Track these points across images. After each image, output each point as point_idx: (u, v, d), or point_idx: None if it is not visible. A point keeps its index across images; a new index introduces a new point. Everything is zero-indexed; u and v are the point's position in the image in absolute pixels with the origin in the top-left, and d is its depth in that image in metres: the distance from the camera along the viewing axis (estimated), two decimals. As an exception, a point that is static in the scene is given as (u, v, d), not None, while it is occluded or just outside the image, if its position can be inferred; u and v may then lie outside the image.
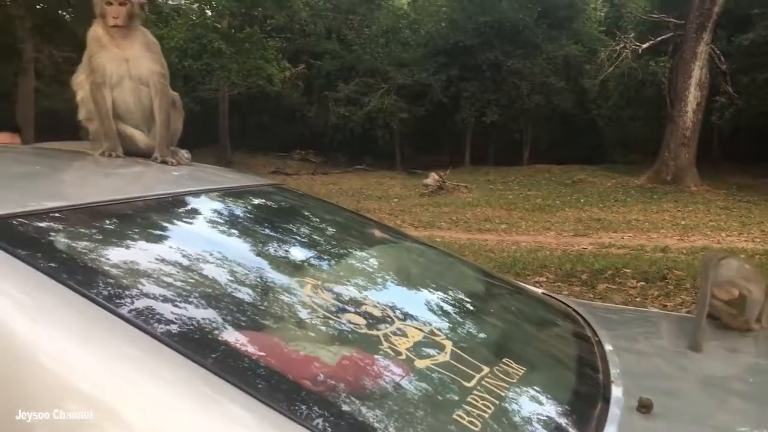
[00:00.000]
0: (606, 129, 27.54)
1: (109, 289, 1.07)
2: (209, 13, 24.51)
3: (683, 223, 13.18)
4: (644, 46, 21.27)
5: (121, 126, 2.10)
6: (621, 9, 26.61)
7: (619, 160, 26.38)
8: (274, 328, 1.17)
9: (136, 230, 1.37)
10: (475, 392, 1.15)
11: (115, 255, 1.22)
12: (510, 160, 26.12)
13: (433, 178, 19.52)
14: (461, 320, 1.53)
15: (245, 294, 1.25)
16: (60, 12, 16.12)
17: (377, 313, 1.31)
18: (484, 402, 1.13)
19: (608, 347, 1.56)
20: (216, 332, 1.07)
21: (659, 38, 21.09)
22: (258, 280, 1.32)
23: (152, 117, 2.11)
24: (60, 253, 1.14)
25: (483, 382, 1.19)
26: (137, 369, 0.94)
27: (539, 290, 2.19)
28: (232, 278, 1.29)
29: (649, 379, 1.46)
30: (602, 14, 30.23)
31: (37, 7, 15.27)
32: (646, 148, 24.09)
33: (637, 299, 6.95)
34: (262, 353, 1.05)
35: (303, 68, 28.44)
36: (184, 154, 2.15)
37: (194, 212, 1.61)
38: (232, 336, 1.07)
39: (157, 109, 2.10)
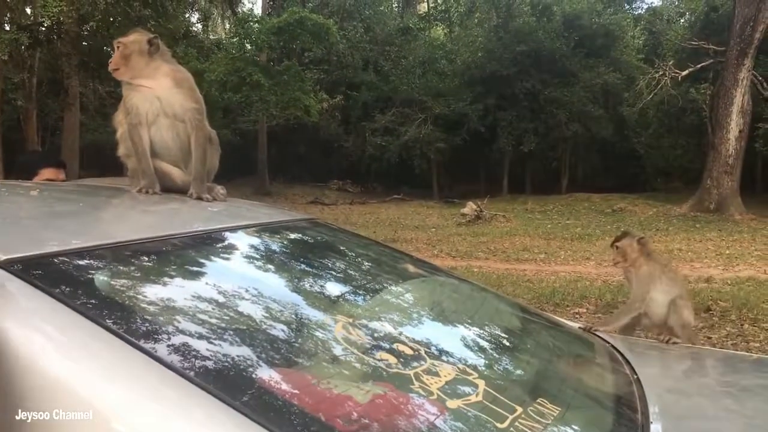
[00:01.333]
0: (646, 157, 27.17)
1: (143, 327, 1.08)
2: (249, 47, 25.06)
3: (727, 252, 12.85)
4: (684, 73, 21.02)
5: (158, 163, 2.12)
6: (660, 36, 26.42)
7: (660, 189, 25.98)
8: (305, 366, 1.17)
9: (171, 268, 1.38)
10: None
11: (149, 293, 1.24)
12: (548, 189, 25.91)
13: (470, 207, 19.43)
14: (495, 357, 1.51)
15: (277, 331, 1.25)
16: (105, 48, 16.61)
17: (409, 350, 1.30)
18: None
19: (647, 386, 1.51)
20: (247, 370, 1.07)
21: (699, 65, 20.83)
22: (290, 317, 1.32)
23: (189, 153, 2.13)
24: (95, 291, 1.15)
25: (516, 423, 1.16)
26: (170, 408, 0.94)
27: (576, 325, 2.14)
28: (265, 316, 1.29)
29: (690, 420, 1.41)
30: (640, 42, 30.02)
31: (84, 44, 15.77)
32: (688, 176, 23.70)
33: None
34: (292, 392, 1.04)
35: (340, 99, 28.78)
36: (220, 190, 2.16)
37: (228, 249, 1.62)
38: (263, 374, 1.07)
39: (194, 145, 2.12)
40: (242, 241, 1.72)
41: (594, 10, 28.08)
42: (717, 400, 1.58)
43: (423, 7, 37.06)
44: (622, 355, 1.76)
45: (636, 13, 32.53)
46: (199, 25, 29.26)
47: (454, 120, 27.32)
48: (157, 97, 2.09)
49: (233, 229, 1.74)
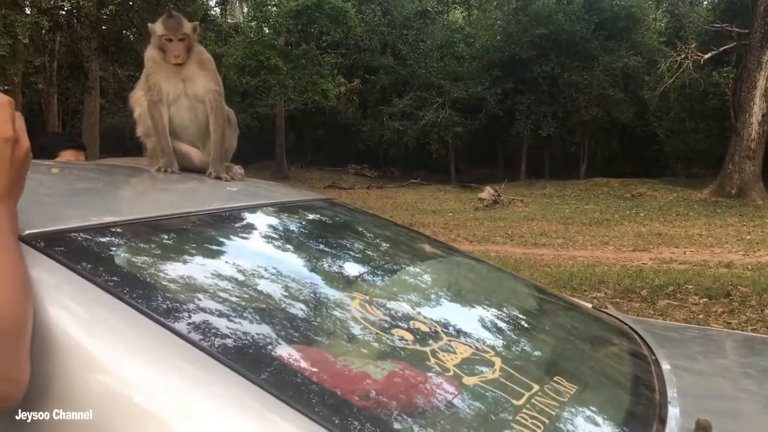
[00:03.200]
0: (667, 141, 26.88)
1: (163, 303, 1.09)
2: (267, 30, 25.04)
3: (748, 237, 12.72)
4: (706, 56, 20.72)
5: (177, 143, 2.13)
6: (682, 19, 26.03)
7: (681, 174, 25.73)
8: (323, 343, 1.17)
9: (190, 245, 1.39)
10: (524, 411, 1.12)
11: (168, 269, 1.25)
12: (567, 174, 25.75)
13: (488, 192, 19.37)
14: (511, 336, 1.50)
15: (295, 309, 1.26)
16: (124, 32, 16.71)
17: (426, 328, 1.30)
18: (534, 421, 1.10)
19: (665, 366, 1.50)
20: (266, 347, 1.08)
21: (722, 48, 20.52)
22: (308, 295, 1.32)
23: (207, 134, 2.14)
24: (115, 267, 1.16)
25: (533, 401, 1.16)
26: (190, 384, 0.95)
27: (588, 305, 2.13)
28: (283, 293, 1.29)
29: (709, 400, 1.40)
30: (662, 24, 29.60)
31: (103, 27, 15.87)
32: (709, 160, 23.43)
33: (700, 316, 6.74)
34: (311, 369, 1.05)
35: (358, 83, 28.73)
36: (238, 169, 2.18)
37: (247, 227, 1.62)
38: (281, 351, 1.08)
39: (213, 126, 2.13)
40: (260, 219, 1.73)
41: (615, -8, 27.72)
42: (736, 380, 1.57)
43: (441, -10, 36.79)
44: (639, 335, 1.75)
45: (658, -6, 32.04)
46: (218, 9, 29.32)
47: (472, 104, 27.17)
48: (182, 78, 2.11)
49: (251, 208, 1.75)
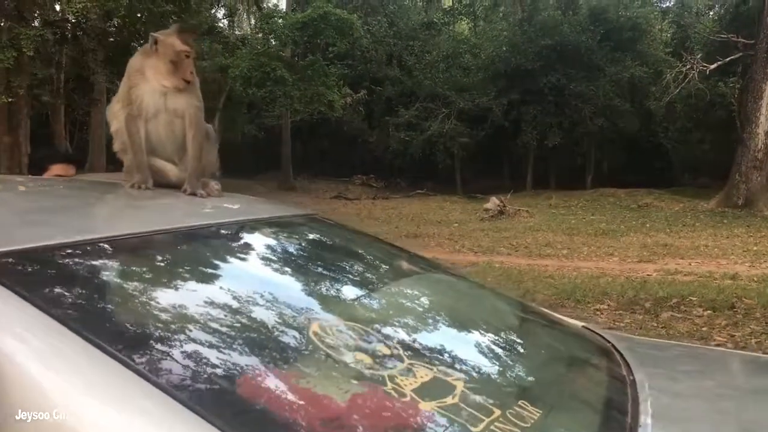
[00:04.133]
0: (673, 152, 26.79)
1: (114, 327, 1.07)
2: (273, 42, 25.14)
3: (755, 249, 12.62)
4: (712, 66, 20.66)
5: (153, 159, 2.09)
6: (688, 30, 25.96)
7: (688, 184, 25.63)
8: (275, 367, 1.14)
9: (151, 266, 1.35)
10: None
11: (123, 291, 1.22)
12: (573, 185, 25.66)
13: (493, 202, 19.32)
14: (480, 358, 1.46)
15: (254, 334, 1.22)
16: (131, 44, 16.78)
17: (387, 351, 1.26)
18: None
19: (642, 388, 1.46)
20: (212, 371, 1.06)
21: (728, 59, 20.45)
22: (268, 319, 1.28)
23: (185, 149, 2.10)
24: (65, 289, 1.14)
25: (492, 427, 1.12)
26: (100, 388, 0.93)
27: (579, 323, 2.09)
28: (243, 318, 1.26)
29: (682, 424, 1.36)
30: (668, 35, 29.58)
31: (110, 40, 15.93)
32: (716, 171, 23.31)
33: (703, 329, 6.68)
34: (258, 395, 1.03)
35: (364, 94, 28.76)
36: (214, 185, 2.13)
37: (215, 246, 1.59)
38: (232, 381, 1.06)
39: (190, 141, 2.08)
40: (230, 237, 1.69)
41: (621, 3, 27.72)
42: (715, 402, 1.52)
43: (447, 2, 36.88)
44: (621, 354, 1.71)
45: (664, 5, 32.03)
46: (225, 21, 29.48)
47: (478, 115, 27.16)
48: (164, 93, 2.06)
49: (222, 226, 1.72)
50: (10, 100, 12.16)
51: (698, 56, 21.58)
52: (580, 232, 16.13)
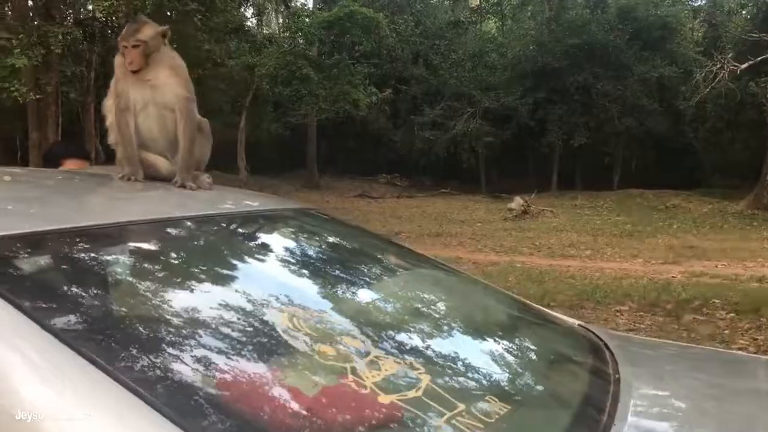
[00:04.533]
0: (703, 153, 26.37)
1: (76, 319, 1.07)
2: (300, 41, 25.22)
3: (784, 251, 12.39)
4: (743, 66, 20.27)
5: (144, 153, 2.09)
6: (719, 29, 25.53)
7: (717, 185, 25.19)
8: (234, 356, 1.14)
9: (119, 255, 1.36)
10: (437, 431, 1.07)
11: (89, 279, 1.23)
12: (599, 185, 25.37)
13: (517, 202, 19.20)
14: (455, 353, 1.44)
15: (219, 325, 1.22)
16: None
17: (354, 343, 1.26)
18: None
19: (626, 386, 1.43)
20: (170, 365, 1.06)
21: (759, 58, 20.05)
22: (234, 309, 1.27)
23: (176, 143, 2.09)
24: (33, 278, 1.15)
25: (453, 421, 1.11)
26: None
27: (575, 321, 2.05)
28: (204, 307, 1.26)
29: (659, 422, 1.33)
30: (699, 34, 29.10)
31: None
32: (746, 172, 22.90)
33: (726, 332, 6.57)
34: (212, 384, 1.04)
35: (389, 93, 28.74)
36: (206, 179, 2.12)
37: (191, 237, 1.59)
38: (188, 367, 1.06)
39: (181, 134, 2.08)
40: (211, 229, 1.69)
41: (651, 2, 27.29)
42: (699, 402, 1.48)
43: (474, 0, 36.70)
44: (611, 352, 1.68)
45: (695, 4, 31.50)
46: (254, 20, 29.67)
47: (504, 114, 27.01)
48: (152, 85, 2.06)
49: (206, 218, 1.71)
50: (38, 97, 12.37)
51: (729, 56, 21.19)
52: (604, 232, 15.97)
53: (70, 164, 3.17)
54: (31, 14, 13.64)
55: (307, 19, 24.66)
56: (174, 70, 2.09)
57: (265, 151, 28.84)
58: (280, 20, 32.65)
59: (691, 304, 7.64)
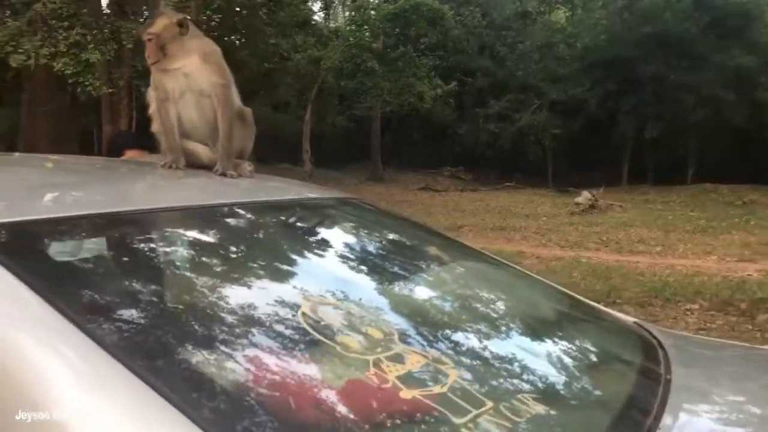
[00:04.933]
0: (783, 146, 25.08)
1: (107, 302, 1.05)
2: (366, 34, 25.29)
3: None
4: (830, 53, 19.21)
5: (186, 142, 2.10)
6: (804, 15, 24.28)
7: (799, 180, 23.97)
8: (256, 346, 1.10)
9: (149, 240, 1.34)
10: (462, 431, 1.00)
11: (118, 266, 1.21)
12: (672, 179, 24.51)
13: (585, 196, 18.76)
14: (491, 348, 1.36)
15: (238, 315, 1.18)
16: (230, 37, 17.24)
17: (380, 335, 1.19)
18: None
19: (677, 389, 1.31)
20: (180, 350, 1.03)
21: None
22: (258, 297, 1.24)
23: (217, 130, 2.09)
24: (59, 262, 1.13)
25: (478, 420, 1.03)
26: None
27: (630, 319, 1.93)
28: (230, 297, 1.22)
29: (709, 428, 1.22)
30: (781, 22, 27.73)
31: (213, 34, 16.47)
32: (832, 166, 21.72)
33: (805, 334, 6.22)
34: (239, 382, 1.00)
35: (455, 85, 28.50)
36: (247, 166, 2.10)
37: (224, 225, 1.56)
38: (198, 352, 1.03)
39: (220, 121, 2.07)
40: (247, 216, 1.66)
41: (729, -11, 26.17)
42: (753, 407, 1.36)
43: (544, -10, 35.97)
44: (665, 352, 1.56)
45: (777, -10, 29.99)
46: (321, 14, 29.94)
47: (572, 106, 26.43)
48: (185, 74, 2.06)
49: (242, 205, 1.69)
50: (111, 91, 12.78)
51: (814, 43, 20.10)
52: (676, 228, 15.40)
53: (131, 154, 3.24)
54: (104, 11, 14.10)
55: (372, 12, 24.70)
56: (204, 57, 2.09)
57: (330, 144, 29.06)
58: (347, 14, 32.81)
59: (766, 304, 7.27)
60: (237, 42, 19.51)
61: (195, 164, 2.11)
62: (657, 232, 14.82)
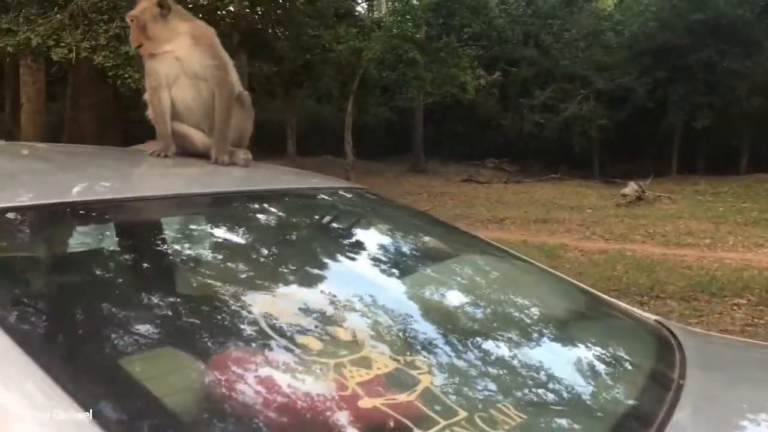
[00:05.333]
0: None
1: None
2: (409, 24, 25.12)
3: None
4: None
5: (179, 126, 2.05)
6: None
7: None
8: (211, 345, 1.02)
9: (112, 231, 1.28)
10: None
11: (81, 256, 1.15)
12: (724, 170, 23.73)
13: (631, 187, 18.28)
14: (476, 351, 1.24)
15: (194, 310, 1.10)
16: (265, 28, 17.29)
17: (348, 336, 1.09)
18: None
19: (687, 395, 1.18)
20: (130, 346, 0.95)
21: None
22: (215, 291, 1.15)
23: (213, 114, 2.03)
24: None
25: (453, 428, 0.92)
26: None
27: (651, 317, 1.78)
28: (182, 293, 1.15)
29: None
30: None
31: (243, 23, 16.52)
32: None
33: None
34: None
35: (499, 75, 28.12)
36: (242, 154, 2.03)
37: (201, 215, 1.49)
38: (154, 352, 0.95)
39: (216, 104, 2.01)
40: (228, 206, 1.59)
41: (787, -28, 25.17)
42: None
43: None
44: (683, 355, 1.41)
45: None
46: (364, 5, 29.85)
47: (619, 95, 25.80)
48: (177, 57, 2.01)
49: (227, 195, 1.61)
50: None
51: None
52: (727, 220, 14.88)
53: (145, 144, 3.22)
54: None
55: (415, 2, 24.49)
56: (196, 39, 2.04)
57: (372, 136, 29.01)
58: (389, 4, 32.65)
59: (820, 300, 6.96)
60: (279, 34, 19.59)
61: (190, 150, 2.05)
62: (706, 224, 14.36)
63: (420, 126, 29.20)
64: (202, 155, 2.03)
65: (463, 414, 0.99)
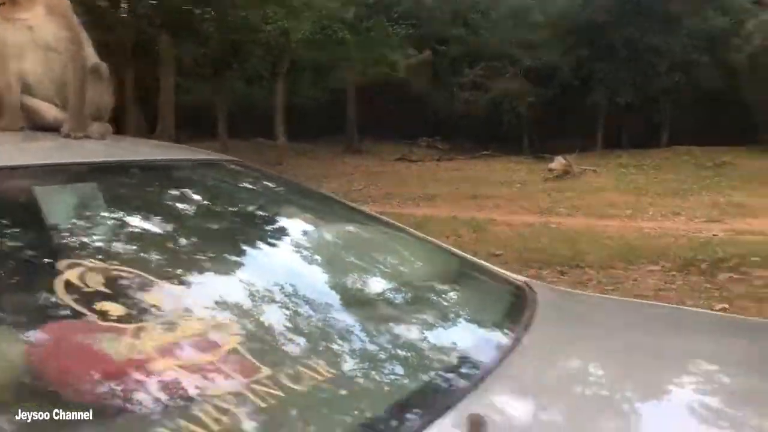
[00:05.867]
0: (757, 108, 25.15)
1: None
2: (338, 3, 24.91)
3: (837, 208, 11.80)
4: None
5: (28, 99, 1.95)
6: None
7: (771, 142, 24.10)
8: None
9: None
10: (215, 401, 0.92)
11: None
12: (647, 144, 24.57)
13: (558, 162, 18.76)
14: (301, 313, 1.25)
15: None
16: (189, 8, 16.86)
17: (154, 301, 1.11)
18: (215, 413, 0.90)
19: (524, 346, 1.24)
20: None
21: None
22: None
23: (66, 88, 1.95)
24: None
25: (252, 386, 0.95)
26: None
27: (521, 278, 1.80)
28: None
29: (545, 387, 1.14)
30: (753, -18, 27.66)
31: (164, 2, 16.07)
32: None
33: (762, 290, 6.26)
34: None
35: (429, 55, 28.27)
36: (98, 127, 1.96)
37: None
38: None
39: (69, 77, 1.93)
40: (64, 179, 1.58)
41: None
42: (602, 365, 1.29)
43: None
44: (532, 313, 1.45)
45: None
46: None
47: (546, 73, 26.32)
48: (29, 26, 1.91)
49: (62, 166, 1.58)
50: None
51: (784, 3, 20.09)
52: (648, 191, 15.48)
53: None
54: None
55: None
56: (50, 9, 1.95)
57: (305, 117, 28.73)
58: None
59: (728, 263, 7.32)
60: (204, 14, 19.15)
61: (40, 124, 1.96)
62: (629, 196, 14.90)
63: (353, 106, 29.14)
64: (55, 130, 1.93)
65: (266, 371, 1.00)
